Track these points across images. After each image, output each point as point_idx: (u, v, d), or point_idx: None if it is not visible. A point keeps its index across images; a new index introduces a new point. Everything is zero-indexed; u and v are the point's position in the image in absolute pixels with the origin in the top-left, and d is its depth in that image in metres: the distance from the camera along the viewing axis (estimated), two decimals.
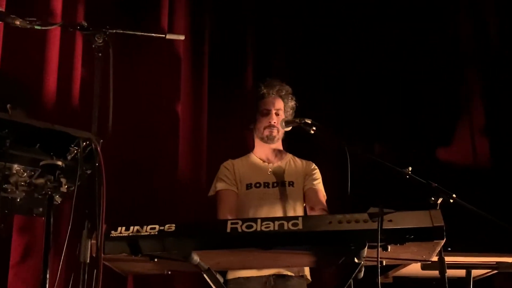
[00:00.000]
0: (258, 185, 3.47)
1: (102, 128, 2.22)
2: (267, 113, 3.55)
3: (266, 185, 3.47)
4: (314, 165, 3.61)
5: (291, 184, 3.49)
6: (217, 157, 4.08)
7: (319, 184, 3.52)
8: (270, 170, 3.53)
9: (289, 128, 3.47)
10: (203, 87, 4.39)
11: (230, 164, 3.57)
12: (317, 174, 3.56)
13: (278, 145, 3.62)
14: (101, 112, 2.26)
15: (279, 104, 3.59)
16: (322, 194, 3.50)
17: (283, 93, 3.62)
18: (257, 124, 3.57)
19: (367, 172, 3.95)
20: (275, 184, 3.48)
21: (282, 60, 4.85)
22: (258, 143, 3.63)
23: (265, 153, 3.60)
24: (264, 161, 3.58)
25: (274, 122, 3.51)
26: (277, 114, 3.55)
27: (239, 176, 3.50)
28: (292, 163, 3.59)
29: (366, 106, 4.84)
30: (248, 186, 3.47)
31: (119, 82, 3.22)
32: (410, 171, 2.68)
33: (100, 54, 2.35)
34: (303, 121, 3.14)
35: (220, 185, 3.48)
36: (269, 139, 3.53)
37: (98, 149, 1.99)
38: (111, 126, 2.25)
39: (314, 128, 3.07)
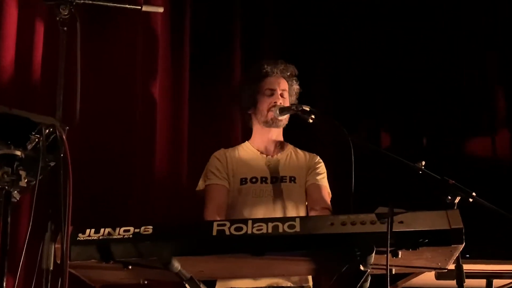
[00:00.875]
0: (254, 180, 3.43)
1: (68, 113, 2.19)
2: (272, 93, 3.49)
3: (264, 180, 3.43)
4: (318, 158, 3.57)
5: (293, 179, 3.46)
6: (200, 149, 4.08)
7: (323, 180, 3.49)
8: (268, 162, 3.49)
9: (284, 117, 3.44)
10: (183, 69, 4.38)
11: (222, 154, 3.52)
12: (322, 168, 3.53)
13: (279, 134, 3.58)
14: (67, 95, 2.24)
15: (284, 84, 3.54)
16: (327, 192, 3.48)
17: (288, 74, 3.59)
18: (259, 106, 3.50)
19: (374, 167, 3.96)
20: (274, 180, 3.44)
21: (274, 37, 4.84)
22: (258, 130, 3.56)
23: (263, 143, 3.55)
24: (262, 152, 3.53)
25: (280, 103, 3.45)
26: (282, 96, 3.50)
27: (233, 169, 3.46)
28: (293, 155, 3.55)
29: (370, 96, 4.84)
30: (243, 181, 3.43)
31: (88, 61, 3.22)
32: (424, 165, 2.67)
33: (65, 28, 2.33)
34: (300, 108, 3.12)
35: (209, 179, 3.43)
36: (274, 123, 3.46)
37: (64, 137, 1.97)
38: (79, 111, 2.22)
39: (313, 116, 3.05)
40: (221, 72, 4.53)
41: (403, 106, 4.87)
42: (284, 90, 3.52)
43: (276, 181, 3.44)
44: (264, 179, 3.43)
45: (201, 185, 3.48)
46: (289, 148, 3.59)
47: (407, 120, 4.81)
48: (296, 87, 3.61)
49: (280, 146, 3.57)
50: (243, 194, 3.40)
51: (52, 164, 2.04)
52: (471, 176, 3.85)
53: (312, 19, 4.96)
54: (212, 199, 3.38)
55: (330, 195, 3.49)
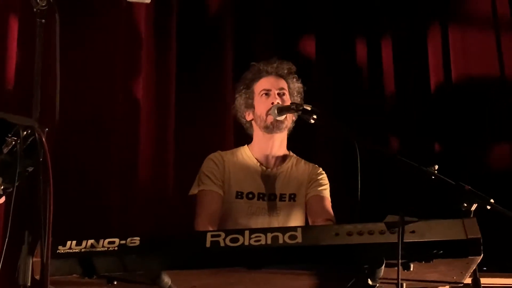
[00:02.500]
0: (251, 195, 3.43)
1: (47, 113, 2.19)
2: (267, 93, 3.48)
3: (261, 196, 3.43)
4: (320, 169, 3.56)
5: (293, 197, 3.45)
6: (188, 153, 4.07)
7: (325, 191, 3.48)
8: (268, 177, 3.47)
9: (283, 117, 3.41)
10: (169, 67, 4.38)
11: (219, 158, 3.49)
12: (324, 179, 3.52)
13: (283, 141, 3.53)
14: (45, 93, 2.24)
15: (281, 83, 3.52)
16: (329, 202, 3.47)
17: (285, 72, 3.57)
18: (256, 112, 3.48)
19: (383, 171, 3.98)
20: (272, 197, 3.43)
21: (269, 33, 4.84)
22: (259, 137, 3.52)
23: (264, 153, 3.51)
24: (261, 164, 3.51)
25: (278, 103, 3.42)
26: (280, 95, 3.47)
27: (229, 178, 3.44)
28: (294, 168, 3.54)
29: (375, 96, 4.84)
30: (239, 195, 3.42)
31: (67, 57, 3.21)
32: (437, 170, 2.68)
33: (43, 21, 2.33)
34: (301, 108, 3.11)
35: (203, 184, 3.41)
36: (275, 126, 3.42)
37: (43, 139, 1.96)
38: (58, 111, 2.22)
39: (314, 116, 3.05)
40: (210, 70, 4.52)
41: (413, 107, 4.88)
42: (283, 89, 3.50)
43: (274, 198, 3.44)
44: (261, 195, 3.43)
45: (194, 189, 3.45)
46: (291, 159, 3.57)
47: (418, 122, 4.81)
48: (297, 85, 3.59)
49: (282, 157, 3.54)
50: (236, 210, 3.40)
51: (30, 169, 2.03)
52: (488, 182, 3.89)
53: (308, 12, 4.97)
54: (204, 206, 3.36)
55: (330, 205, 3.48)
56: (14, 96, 3.36)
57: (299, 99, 3.55)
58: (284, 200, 3.44)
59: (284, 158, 3.55)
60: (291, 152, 3.60)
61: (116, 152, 3.89)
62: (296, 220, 3.42)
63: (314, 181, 3.50)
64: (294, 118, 3.49)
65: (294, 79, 3.59)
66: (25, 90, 2.41)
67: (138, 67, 4.14)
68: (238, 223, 3.35)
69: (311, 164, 3.59)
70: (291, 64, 3.60)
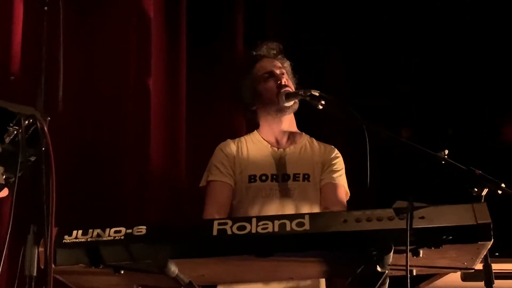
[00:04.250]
0: (264, 178, 3.39)
1: (50, 102, 2.18)
2: (271, 74, 3.47)
3: (274, 178, 3.39)
4: (336, 151, 3.52)
5: (307, 177, 3.41)
6: (201, 140, 4.08)
7: (340, 178, 3.43)
8: (280, 157, 3.44)
9: (291, 103, 3.41)
10: (180, 54, 4.37)
11: (228, 146, 3.48)
12: (339, 163, 3.47)
13: (292, 122, 3.53)
14: (49, 82, 2.23)
15: (277, 63, 3.54)
16: (344, 191, 3.43)
17: (274, 52, 3.59)
18: (265, 95, 3.45)
19: (392, 157, 3.97)
20: (285, 177, 3.40)
21: (278, 13, 4.83)
22: (267, 122, 3.51)
23: (274, 134, 3.50)
24: (272, 145, 3.49)
25: (285, 82, 3.42)
26: (281, 73, 3.48)
27: (240, 165, 3.42)
28: (308, 147, 3.51)
29: (386, 79, 4.83)
30: (251, 179, 3.39)
31: (72, 45, 3.21)
32: (447, 155, 2.66)
33: (46, 8, 2.32)
34: (309, 93, 3.10)
35: (212, 174, 3.40)
36: (288, 108, 3.42)
37: (45, 129, 1.97)
38: (61, 100, 2.22)
39: (323, 102, 3.03)
40: (221, 56, 4.52)
41: (423, 90, 4.86)
42: (281, 69, 3.51)
43: (288, 179, 3.40)
44: (274, 176, 3.40)
45: (204, 180, 3.44)
46: (304, 139, 3.55)
47: (429, 106, 4.79)
48: (287, 63, 3.59)
49: (293, 136, 3.52)
50: (251, 194, 3.37)
51: (32, 159, 2.03)
52: (500, 166, 3.86)
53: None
54: (213, 197, 3.35)
55: (348, 195, 3.46)
56: (19, 85, 3.35)
57: (292, 77, 3.56)
58: (298, 180, 3.40)
59: (295, 137, 3.53)
60: (303, 133, 3.58)
61: (126, 139, 3.87)
62: (309, 200, 3.37)
63: (329, 166, 3.45)
64: (287, 105, 3.44)
65: (284, 59, 3.60)
66: (31, 79, 2.41)
67: (148, 54, 4.12)
68: (254, 206, 3.33)
69: (326, 145, 3.55)
70: (278, 43, 3.61)
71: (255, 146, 3.50)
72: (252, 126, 3.64)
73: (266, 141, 3.50)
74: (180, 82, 4.33)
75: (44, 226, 1.95)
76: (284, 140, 3.50)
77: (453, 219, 2.15)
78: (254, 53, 3.55)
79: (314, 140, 3.56)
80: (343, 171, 3.47)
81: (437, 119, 4.69)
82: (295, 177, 3.41)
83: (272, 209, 3.31)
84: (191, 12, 4.47)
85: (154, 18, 4.19)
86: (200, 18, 4.54)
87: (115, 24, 3.93)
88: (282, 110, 3.44)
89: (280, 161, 3.44)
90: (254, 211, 3.31)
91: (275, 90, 3.42)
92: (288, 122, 3.51)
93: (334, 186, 3.41)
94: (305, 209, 3.32)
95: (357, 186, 3.49)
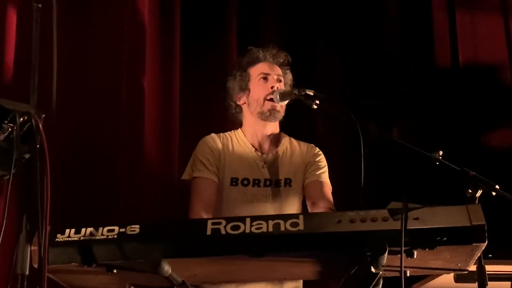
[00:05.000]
0: (246, 182, 3.41)
1: (44, 99, 2.18)
2: (265, 77, 3.47)
3: (256, 183, 3.41)
4: (317, 149, 3.55)
5: (288, 182, 3.44)
6: (193, 140, 4.06)
7: (323, 175, 3.47)
8: (263, 162, 3.46)
9: (285, 103, 3.42)
10: (174, 51, 4.38)
11: (214, 142, 3.47)
12: (322, 161, 3.51)
13: (276, 127, 3.53)
14: (42, 79, 2.23)
15: (278, 70, 3.53)
16: (329, 188, 3.46)
17: (281, 61, 3.58)
18: (253, 95, 3.46)
19: (386, 157, 3.96)
20: (267, 183, 3.42)
21: (275, 12, 4.83)
22: (251, 123, 3.52)
23: (257, 137, 3.50)
24: (256, 150, 3.49)
25: (278, 87, 3.42)
26: (278, 81, 3.47)
27: (224, 164, 3.42)
28: (289, 150, 3.52)
29: (380, 80, 4.83)
30: (233, 182, 3.40)
31: (66, 41, 3.21)
32: (441, 155, 2.67)
33: (40, 5, 2.31)
34: (303, 93, 3.10)
35: (198, 170, 3.39)
36: (272, 115, 3.42)
37: (40, 126, 1.96)
38: (55, 97, 2.21)
39: (317, 101, 3.04)
40: (215, 55, 4.53)
41: (416, 91, 4.86)
42: (280, 76, 3.50)
43: (270, 184, 3.42)
44: (256, 181, 3.41)
45: (188, 174, 3.44)
46: (285, 141, 3.55)
47: (422, 106, 4.80)
48: (290, 76, 3.60)
49: (275, 140, 3.52)
50: (231, 197, 3.38)
51: (27, 156, 2.02)
52: (493, 168, 3.88)
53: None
54: (199, 194, 3.35)
55: (331, 190, 3.47)
56: (13, 82, 3.35)
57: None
58: (280, 186, 3.42)
59: (277, 141, 3.54)
60: (283, 133, 3.58)
61: (120, 137, 3.87)
62: (292, 206, 3.41)
63: (312, 164, 3.48)
64: (282, 104, 3.44)
65: (288, 70, 3.60)
66: (26, 77, 2.41)
67: (143, 50, 4.12)
68: (233, 211, 3.33)
69: (306, 144, 3.57)
70: (287, 54, 3.60)
71: (240, 147, 3.50)
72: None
73: (251, 143, 3.50)
74: (174, 81, 4.33)
75: (37, 224, 1.94)
76: (267, 145, 3.51)
77: (447, 221, 2.16)
78: (258, 53, 3.54)
79: (293, 140, 3.58)
80: (326, 168, 3.50)
81: (436, 119, 4.69)
82: (277, 183, 3.43)
83: (254, 213, 3.30)
84: (185, 13, 4.48)
85: (149, 17, 4.19)
86: (194, 17, 4.54)
87: (110, 23, 3.93)
88: (264, 115, 3.44)
89: (263, 167, 3.46)
90: (235, 215, 3.29)
91: (264, 94, 3.43)
92: (272, 128, 3.51)
93: (319, 184, 3.44)
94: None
95: (351, 186, 3.50)
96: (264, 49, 3.57)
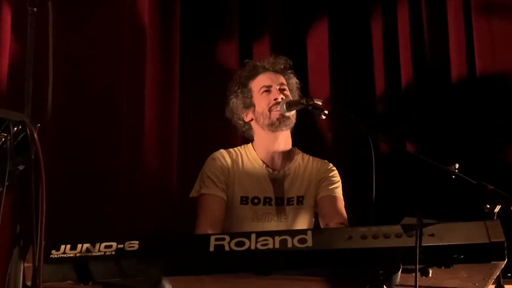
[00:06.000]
0: (256, 200, 3.41)
1: (39, 108, 2.17)
2: (267, 90, 3.46)
3: (267, 201, 3.41)
4: (330, 165, 3.54)
5: (301, 200, 3.44)
6: (192, 150, 4.07)
7: (337, 190, 3.46)
8: (274, 179, 3.45)
9: (292, 113, 3.41)
10: (174, 52, 4.39)
11: (224, 158, 3.47)
12: (335, 176, 3.50)
13: (288, 139, 3.52)
14: (37, 87, 2.22)
15: (281, 79, 3.53)
16: (342, 202, 3.45)
17: (281, 67, 3.58)
18: (258, 110, 3.46)
19: (400, 170, 3.94)
20: (279, 201, 3.42)
21: (276, 12, 4.84)
22: (262, 137, 3.50)
23: (269, 153, 3.49)
24: (267, 166, 3.49)
25: (282, 98, 3.41)
26: (281, 91, 3.46)
27: (233, 181, 3.42)
28: (301, 167, 3.51)
29: (389, 90, 4.83)
30: (243, 200, 3.40)
31: (63, 44, 3.20)
32: (457, 168, 2.66)
33: (35, 9, 2.31)
34: (311, 102, 3.10)
35: (206, 187, 3.39)
36: (282, 123, 3.39)
37: (35, 135, 1.95)
38: (51, 106, 2.21)
39: (326, 111, 3.03)
40: (216, 55, 4.55)
41: (432, 101, 4.85)
42: (283, 85, 3.50)
43: (281, 203, 3.42)
44: (267, 200, 3.42)
45: (196, 191, 3.44)
46: (298, 157, 3.55)
47: (438, 118, 4.78)
48: (294, 80, 3.60)
49: (288, 156, 3.52)
50: (241, 216, 3.38)
51: (21, 167, 2.01)
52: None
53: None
54: (206, 212, 3.35)
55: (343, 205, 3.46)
56: (7, 90, 3.35)
57: (297, 95, 3.56)
58: (292, 204, 3.43)
59: (290, 157, 3.53)
60: (296, 149, 3.58)
61: (118, 147, 3.86)
62: (303, 225, 3.41)
63: (324, 180, 3.48)
64: (288, 114, 3.43)
65: (291, 74, 3.60)
66: (20, 85, 2.40)
67: (143, 57, 4.12)
68: (243, 231, 3.28)
69: (319, 160, 3.57)
70: (287, 59, 3.61)
71: (250, 164, 3.49)
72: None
73: (261, 159, 3.49)
74: (174, 86, 4.35)
75: (31, 239, 1.93)
76: (279, 160, 3.50)
77: (464, 237, 2.16)
78: (258, 64, 3.55)
79: (306, 156, 3.57)
80: (340, 184, 3.50)
81: (453, 131, 4.68)
82: (289, 201, 3.44)
83: None
84: (185, 13, 4.50)
85: (149, 18, 4.20)
86: (194, 18, 4.55)
87: (108, 23, 3.93)
88: (273, 126, 3.42)
89: (274, 184, 3.46)
90: None
91: (268, 106, 3.42)
92: (285, 139, 3.50)
93: (333, 199, 3.44)
94: None
95: (362, 200, 3.49)
96: (262, 60, 3.59)
